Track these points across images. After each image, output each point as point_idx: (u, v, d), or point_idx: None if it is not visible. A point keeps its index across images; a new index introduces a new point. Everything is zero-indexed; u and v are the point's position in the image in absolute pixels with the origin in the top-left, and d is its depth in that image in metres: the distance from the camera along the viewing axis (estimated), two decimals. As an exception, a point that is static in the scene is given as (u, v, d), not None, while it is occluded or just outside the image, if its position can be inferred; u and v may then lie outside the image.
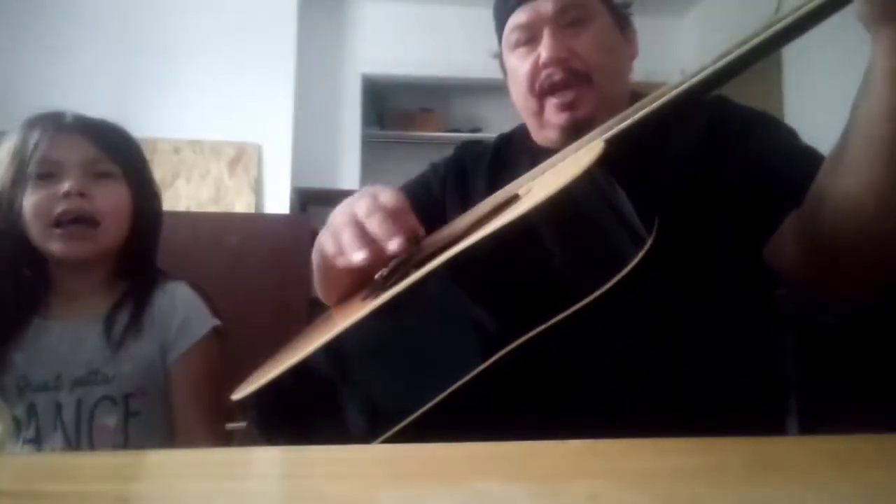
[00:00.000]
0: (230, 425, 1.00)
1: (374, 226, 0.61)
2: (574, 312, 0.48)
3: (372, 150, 4.25)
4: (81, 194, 0.90)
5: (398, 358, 0.52)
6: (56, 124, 0.93)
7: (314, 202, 3.72)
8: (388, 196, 0.65)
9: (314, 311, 0.90)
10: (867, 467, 0.35)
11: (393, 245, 0.59)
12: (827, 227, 0.59)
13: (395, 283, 0.58)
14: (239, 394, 0.57)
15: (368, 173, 4.06)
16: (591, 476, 0.35)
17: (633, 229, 0.52)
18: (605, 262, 0.49)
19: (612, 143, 0.57)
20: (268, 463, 0.44)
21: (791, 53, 2.98)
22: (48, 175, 0.90)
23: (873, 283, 0.62)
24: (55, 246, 0.91)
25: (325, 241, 0.68)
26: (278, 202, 3.53)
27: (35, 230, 0.91)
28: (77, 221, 0.91)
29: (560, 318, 0.48)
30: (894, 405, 0.80)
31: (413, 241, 0.65)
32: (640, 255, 0.49)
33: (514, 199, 0.67)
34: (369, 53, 4.11)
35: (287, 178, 3.58)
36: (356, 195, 0.69)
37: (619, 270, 0.48)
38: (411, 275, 0.53)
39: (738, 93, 0.76)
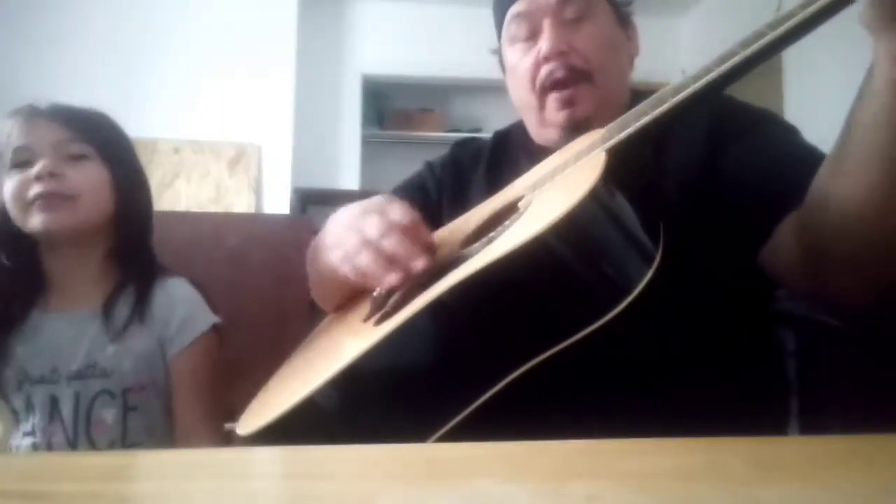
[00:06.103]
0: (229, 425, 1.00)
1: (393, 246, 0.61)
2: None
3: (372, 150, 4.25)
4: (52, 174, 0.90)
5: (404, 390, 0.52)
6: (29, 113, 0.93)
7: (314, 202, 3.71)
8: (398, 212, 0.64)
9: (314, 311, 0.90)
10: (867, 467, 0.35)
11: (418, 265, 0.59)
12: (826, 233, 0.58)
13: (398, 302, 0.58)
14: (244, 429, 0.56)
15: (368, 173, 4.06)
16: (591, 476, 0.35)
17: (640, 246, 0.51)
18: (615, 285, 0.49)
19: (613, 154, 0.55)
20: (268, 463, 0.44)
21: (791, 53, 2.98)
22: (23, 163, 0.91)
23: (873, 287, 0.60)
24: (34, 221, 0.90)
25: (335, 260, 0.68)
26: (278, 202, 3.53)
27: (15, 214, 0.91)
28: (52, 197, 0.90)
29: (566, 344, 0.48)
30: (894, 405, 0.80)
31: (432, 254, 0.65)
32: (650, 274, 0.49)
33: (514, 208, 0.65)
34: (369, 53, 4.11)
35: (287, 178, 3.58)
36: (359, 211, 0.68)
37: (629, 292, 0.48)
38: (413, 294, 0.53)
39: (738, 93, 0.76)
